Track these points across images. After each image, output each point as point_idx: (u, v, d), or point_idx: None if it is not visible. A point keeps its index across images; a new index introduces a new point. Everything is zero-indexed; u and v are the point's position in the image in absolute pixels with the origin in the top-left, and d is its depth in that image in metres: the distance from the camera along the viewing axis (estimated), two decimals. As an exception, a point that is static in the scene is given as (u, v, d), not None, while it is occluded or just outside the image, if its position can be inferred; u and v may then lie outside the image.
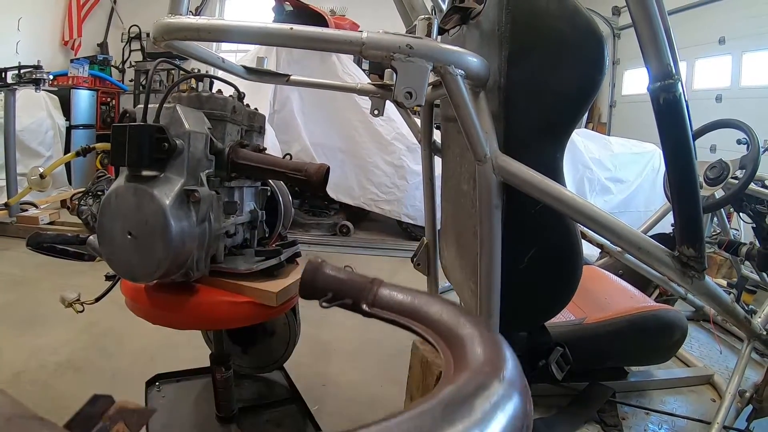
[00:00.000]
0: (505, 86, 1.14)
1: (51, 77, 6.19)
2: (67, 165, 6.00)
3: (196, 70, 1.64)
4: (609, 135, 6.81)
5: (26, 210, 4.99)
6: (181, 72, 3.13)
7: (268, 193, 1.75)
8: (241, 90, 1.67)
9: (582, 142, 5.45)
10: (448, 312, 0.61)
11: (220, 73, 1.72)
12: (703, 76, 7.12)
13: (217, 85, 1.65)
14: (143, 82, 8.25)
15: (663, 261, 1.08)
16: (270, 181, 1.78)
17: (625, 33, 9.66)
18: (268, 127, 4.88)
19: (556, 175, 1.12)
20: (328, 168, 1.44)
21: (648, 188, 5.50)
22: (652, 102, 0.98)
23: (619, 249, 2.38)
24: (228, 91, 1.60)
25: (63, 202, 5.56)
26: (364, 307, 0.66)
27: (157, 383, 2.08)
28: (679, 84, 0.95)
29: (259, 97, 4.90)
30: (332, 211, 5.87)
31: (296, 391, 2.08)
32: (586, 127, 8.77)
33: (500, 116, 1.14)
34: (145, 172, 1.28)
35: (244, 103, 1.66)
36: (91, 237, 1.68)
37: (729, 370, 1.79)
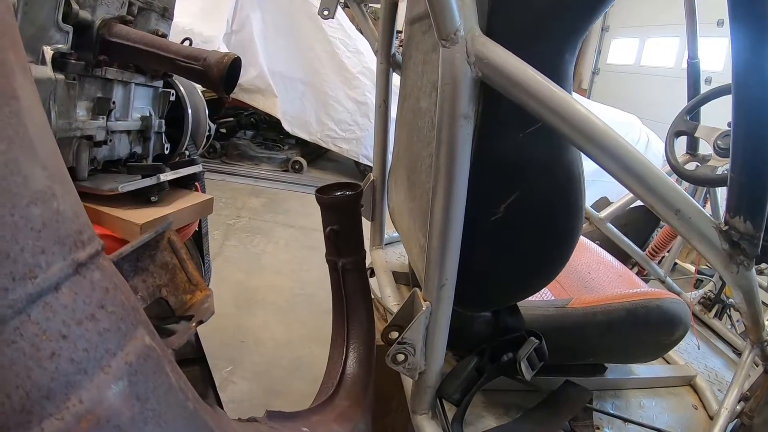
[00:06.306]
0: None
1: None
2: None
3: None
4: (588, 102, 6.50)
5: None
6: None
7: (172, 98, 1.33)
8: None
9: (558, 102, 5.16)
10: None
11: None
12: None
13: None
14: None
15: (706, 235, 0.71)
16: (178, 83, 1.36)
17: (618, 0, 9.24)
18: (223, 48, 4.41)
19: (562, 82, 0.73)
20: (237, 59, 1.04)
21: (624, 161, 5.24)
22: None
23: (600, 216, 2.09)
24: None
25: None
26: None
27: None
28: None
29: (215, 15, 4.42)
30: (286, 146, 5.54)
31: (201, 350, 1.71)
32: (565, 89, 8.55)
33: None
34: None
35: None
36: None
37: (708, 369, 1.59)
